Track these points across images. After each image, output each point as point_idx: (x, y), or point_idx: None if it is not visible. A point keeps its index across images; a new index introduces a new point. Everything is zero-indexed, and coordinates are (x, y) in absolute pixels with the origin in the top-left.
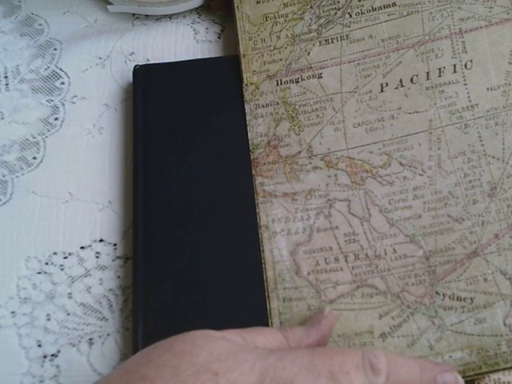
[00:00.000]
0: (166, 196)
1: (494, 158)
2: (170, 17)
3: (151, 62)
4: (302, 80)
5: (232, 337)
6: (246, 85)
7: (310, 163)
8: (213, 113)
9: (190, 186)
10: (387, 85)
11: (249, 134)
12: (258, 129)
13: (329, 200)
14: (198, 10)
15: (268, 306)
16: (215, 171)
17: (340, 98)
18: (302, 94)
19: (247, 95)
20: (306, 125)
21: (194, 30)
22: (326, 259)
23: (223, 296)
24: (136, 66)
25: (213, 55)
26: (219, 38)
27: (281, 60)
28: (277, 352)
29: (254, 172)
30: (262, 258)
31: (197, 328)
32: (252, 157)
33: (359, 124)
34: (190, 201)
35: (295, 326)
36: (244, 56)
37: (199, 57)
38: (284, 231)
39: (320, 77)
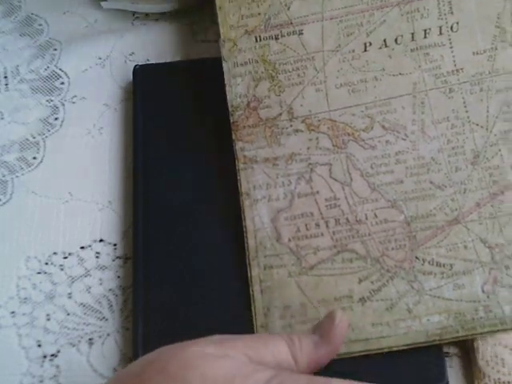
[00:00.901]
0: (166, 196)
1: (477, 125)
2: (170, 17)
3: (151, 62)
4: (281, 36)
5: (236, 354)
6: (224, 41)
7: (291, 126)
8: (212, 113)
9: (189, 186)
10: (371, 44)
11: (227, 95)
12: (236, 89)
13: (310, 164)
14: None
15: (249, 274)
16: (215, 171)
17: (322, 57)
18: (281, 52)
19: (225, 52)
20: (287, 85)
21: (194, 29)
22: (306, 225)
23: (223, 296)
24: (136, 66)
25: (212, 55)
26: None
27: (259, 14)
28: (277, 379)
29: (234, 137)
30: (244, 227)
31: (197, 328)
32: (232, 120)
33: (341, 85)
34: (190, 201)
35: (303, 335)
36: (220, 8)
37: (199, 57)
38: (265, 198)
39: (301, 33)
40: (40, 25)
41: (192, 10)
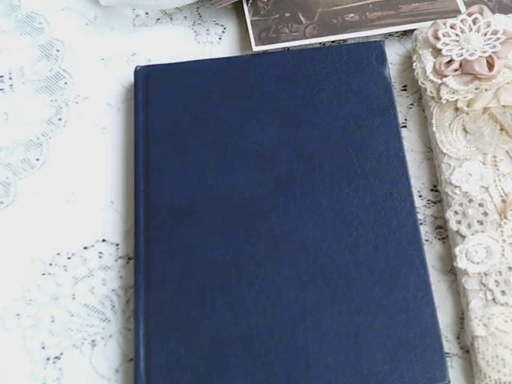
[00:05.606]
0: (168, 196)
1: None
2: (171, 18)
3: (153, 62)
4: None
5: None
6: None
7: None
8: (213, 113)
9: (191, 187)
10: None
11: None
12: None
13: None
14: (199, 11)
15: None
16: (216, 171)
17: None
18: None
19: None
20: None
21: (195, 31)
22: None
23: (224, 296)
24: (137, 67)
25: (214, 56)
26: (220, 39)
27: None
28: None
29: None
30: None
31: (199, 329)
32: None
33: None
34: (192, 201)
35: None
36: None
37: (200, 58)
38: None
39: None
40: (40, 23)
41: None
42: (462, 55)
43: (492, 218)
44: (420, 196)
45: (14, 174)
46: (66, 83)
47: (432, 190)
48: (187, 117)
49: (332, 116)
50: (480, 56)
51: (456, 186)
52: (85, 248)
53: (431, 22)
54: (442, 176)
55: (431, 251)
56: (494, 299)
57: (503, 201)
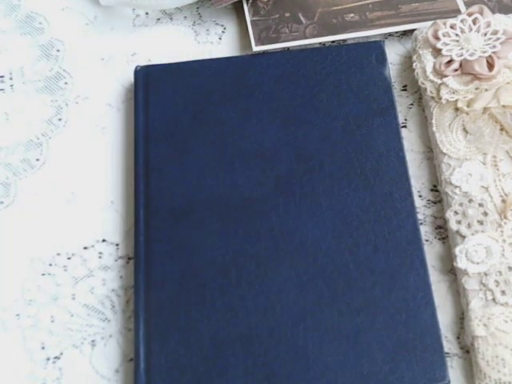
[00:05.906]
0: (168, 196)
1: None
2: (171, 18)
3: (153, 62)
4: None
5: None
6: None
7: None
8: (213, 113)
9: (191, 187)
10: None
11: None
12: None
13: None
14: (199, 11)
15: None
16: (216, 171)
17: None
18: None
19: None
20: None
21: (195, 31)
22: None
23: (224, 296)
24: (137, 67)
25: (214, 56)
26: (220, 39)
27: None
28: None
29: None
30: None
31: (199, 329)
32: None
33: None
34: (192, 201)
35: None
36: None
37: (200, 58)
38: None
39: None
40: (40, 23)
41: (194, 13)
42: (462, 55)
43: (492, 218)
44: (420, 196)
45: (14, 174)
46: (66, 83)
47: (432, 190)
48: (187, 117)
49: (332, 116)
50: (480, 56)
51: (456, 186)
52: (85, 248)
53: (431, 22)
54: (442, 176)
55: (431, 251)
56: (494, 299)
57: (503, 201)
